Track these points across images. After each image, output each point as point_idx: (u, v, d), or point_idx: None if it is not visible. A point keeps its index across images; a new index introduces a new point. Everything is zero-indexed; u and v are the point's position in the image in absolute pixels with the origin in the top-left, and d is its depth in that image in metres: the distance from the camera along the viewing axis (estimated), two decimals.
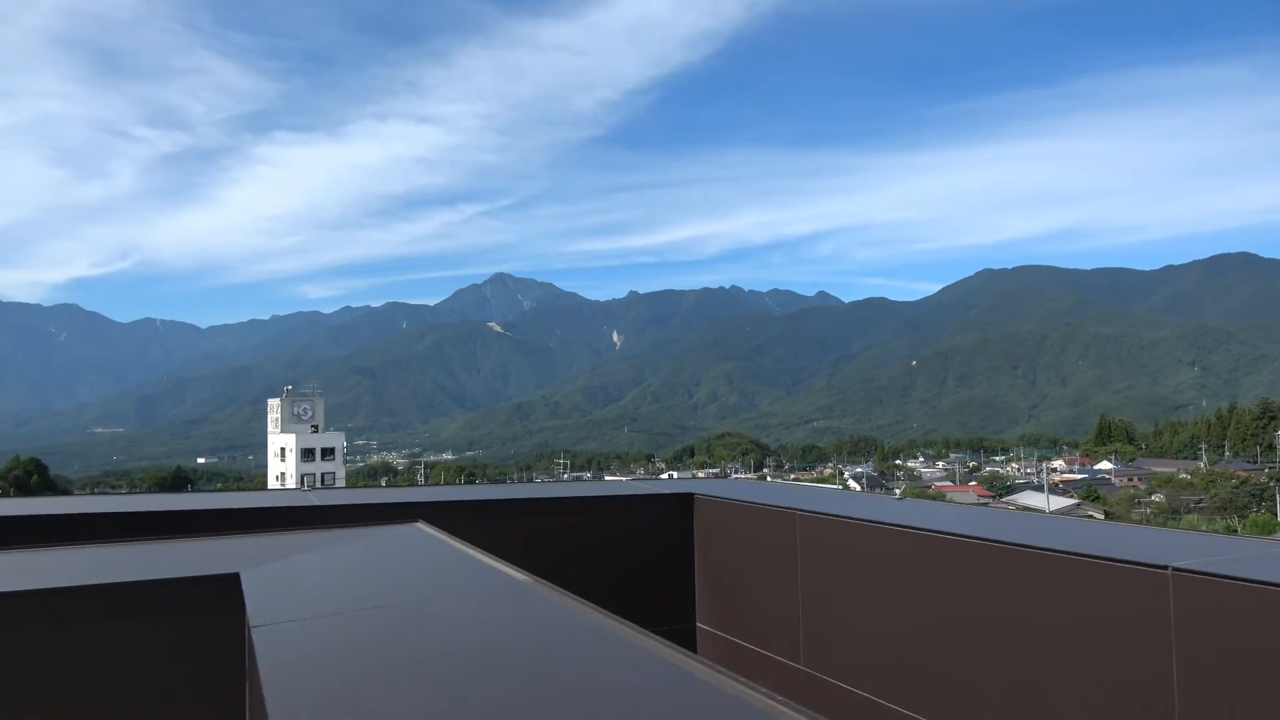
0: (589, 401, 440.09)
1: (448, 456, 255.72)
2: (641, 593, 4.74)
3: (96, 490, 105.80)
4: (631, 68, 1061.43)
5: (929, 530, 3.37)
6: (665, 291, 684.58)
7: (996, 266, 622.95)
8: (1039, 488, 75.05)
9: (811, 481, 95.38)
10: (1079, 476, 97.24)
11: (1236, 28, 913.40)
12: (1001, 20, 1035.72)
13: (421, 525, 3.39)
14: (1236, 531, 48.63)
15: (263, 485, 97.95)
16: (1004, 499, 73.95)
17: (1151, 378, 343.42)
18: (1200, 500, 67.00)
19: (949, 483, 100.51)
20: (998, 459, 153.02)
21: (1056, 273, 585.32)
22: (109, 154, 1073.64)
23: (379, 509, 4.43)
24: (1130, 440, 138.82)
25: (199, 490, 33.31)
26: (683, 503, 4.94)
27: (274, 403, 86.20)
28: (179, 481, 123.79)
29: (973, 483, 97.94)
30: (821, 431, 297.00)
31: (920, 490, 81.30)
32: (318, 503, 4.34)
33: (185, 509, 4.05)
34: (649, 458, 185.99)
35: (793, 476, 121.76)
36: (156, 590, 2.43)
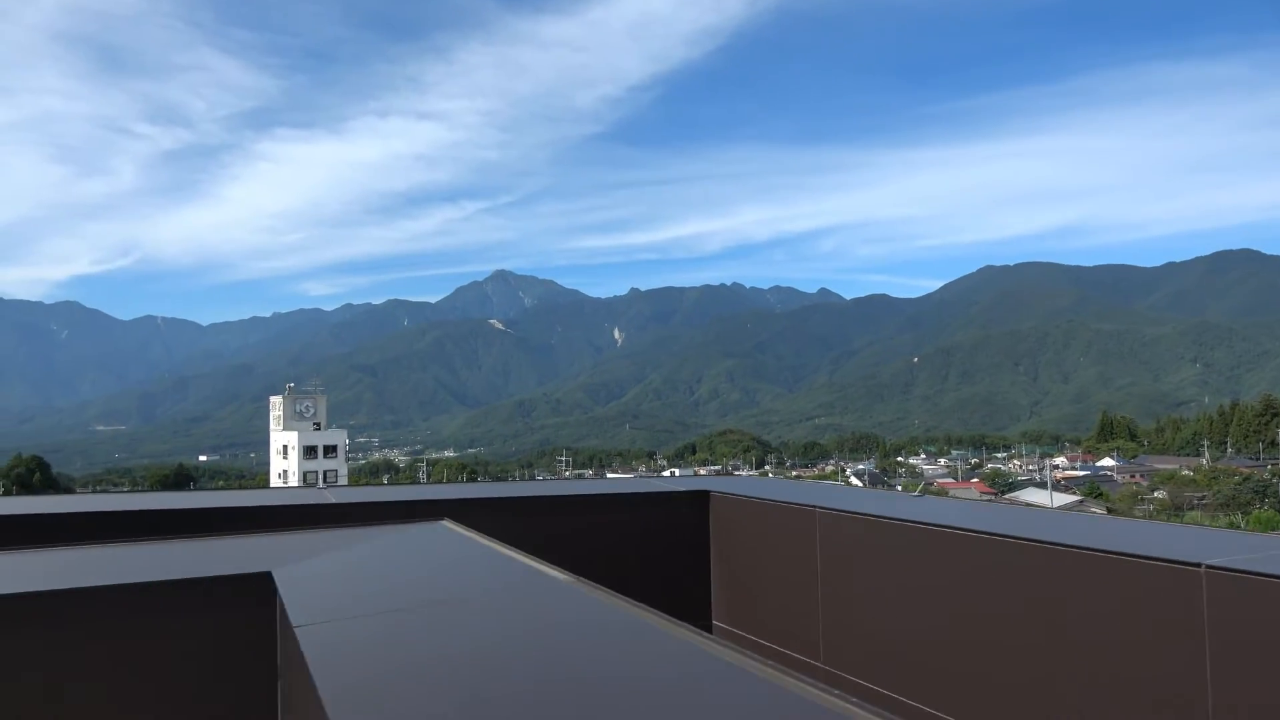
0: (590, 398, 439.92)
1: (449, 454, 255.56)
2: (658, 590, 4.72)
3: (99, 488, 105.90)
4: (633, 64, 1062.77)
5: (954, 528, 3.32)
6: (666, 288, 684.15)
7: (998, 263, 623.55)
8: (1041, 485, 74.86)
9: (813, 479, 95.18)
10: (1081, 473, 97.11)
11: (1237, 24, 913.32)
12: (1003, 17, 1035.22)
13: (448, 523, 3.40)
14: (1240, 528, 48.45)
15: (265, 483, 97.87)
16: (1006, 496, 73.78)
17: (1154, 374, 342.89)
18: (1203, 497, 66.81)
19: (951, 480, 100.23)
20: (999, 456, 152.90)
21: (1058, 269, 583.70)
22: (110, 151, 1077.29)
23: (398, 506, 4.40)
24: (1132, 437, 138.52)
25: (201, 489, 33.13)
26: (699, 500, 4.94)
27: (276, 400, 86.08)
28: (181, 479, 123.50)
29: (975, 480, 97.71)
30: (823, 428, 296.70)
31: (925, 487, 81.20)
32: (335, 501, 4.31)
33: (202, 507, 4.01)
34: (650, 455, 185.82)
35: (795, 474, 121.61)
36: (190, 589, 2.44)
